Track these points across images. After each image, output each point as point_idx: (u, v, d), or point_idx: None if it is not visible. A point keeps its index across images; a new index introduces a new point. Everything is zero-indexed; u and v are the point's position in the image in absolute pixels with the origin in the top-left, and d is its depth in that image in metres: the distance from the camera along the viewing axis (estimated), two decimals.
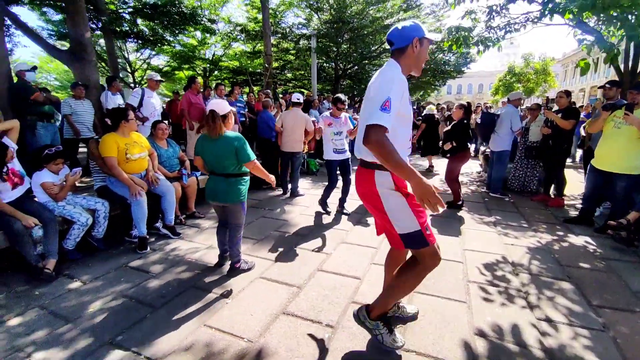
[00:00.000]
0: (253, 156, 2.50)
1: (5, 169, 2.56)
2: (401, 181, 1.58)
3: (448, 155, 4.39)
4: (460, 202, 4.46)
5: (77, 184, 3.23)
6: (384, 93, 1.41)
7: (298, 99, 4.85)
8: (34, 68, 4.52)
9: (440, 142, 4.81)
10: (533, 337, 1.92)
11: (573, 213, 4.18)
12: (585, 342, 1.88)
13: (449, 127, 4.43)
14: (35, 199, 2.79)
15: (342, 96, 4.15)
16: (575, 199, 4.93)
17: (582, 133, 5.81)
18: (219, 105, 2.50)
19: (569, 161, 7.97)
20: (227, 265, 2.74)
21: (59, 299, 2.28)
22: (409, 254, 1.70)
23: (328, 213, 4.19)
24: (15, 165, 2.72)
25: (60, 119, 4.75)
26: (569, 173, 4.89)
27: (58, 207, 2.80)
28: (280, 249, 3.11)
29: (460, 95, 48.42)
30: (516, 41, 56.85)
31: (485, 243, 3.28)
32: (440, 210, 1.32)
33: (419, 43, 1.56)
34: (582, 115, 7.23)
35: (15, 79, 4.44)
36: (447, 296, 2.33)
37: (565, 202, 4.70)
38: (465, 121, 4.34)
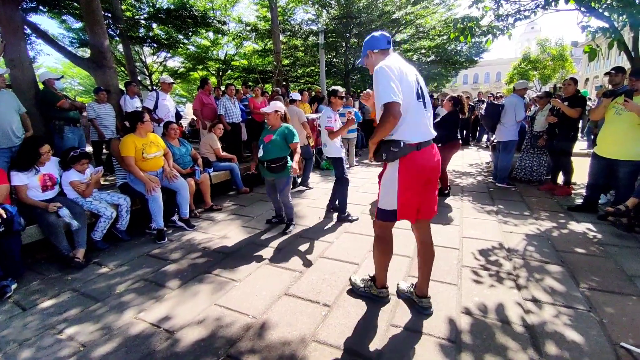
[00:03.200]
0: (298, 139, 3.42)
1: (37, 169, 2.88)
2: None
3: (439, 145, 4.47)
4: (447, 190, 4.60)
5: (102, 182, 3.55)
6: None
7: (291, 97, 5.27)
8: (61, 77, 4.89)
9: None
10: (516, 314, 2.04)
11: (580, 201, 4.18)
12: (567, 321, 1.97)
13: (439, 120, 4.48)
14: (67, 196, 3.11)
15: (339, 88, 3.93)
16: (584, 187, 4.88)
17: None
18: (277, 106, 3.39)
19: (583, 149, 7.79)
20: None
21: (89, 283, 2.58)
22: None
23: (355, 220, 3.76)
24: (55, 173, 3.05)
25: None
26: (582, 161, 4.83)
27: (86, 203, 3.12)
28: (287, 238, 3.33)
29: (476, 84, 47.08)
30: (537, 26, 54.55)
31: (484, 231, 3.37)
32: None
33: None
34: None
35: (41, 86, 4.66)
36: (439, 280, 2.46)
37: (574, 191, 4.68)
38: (455, 113, 4.41)
